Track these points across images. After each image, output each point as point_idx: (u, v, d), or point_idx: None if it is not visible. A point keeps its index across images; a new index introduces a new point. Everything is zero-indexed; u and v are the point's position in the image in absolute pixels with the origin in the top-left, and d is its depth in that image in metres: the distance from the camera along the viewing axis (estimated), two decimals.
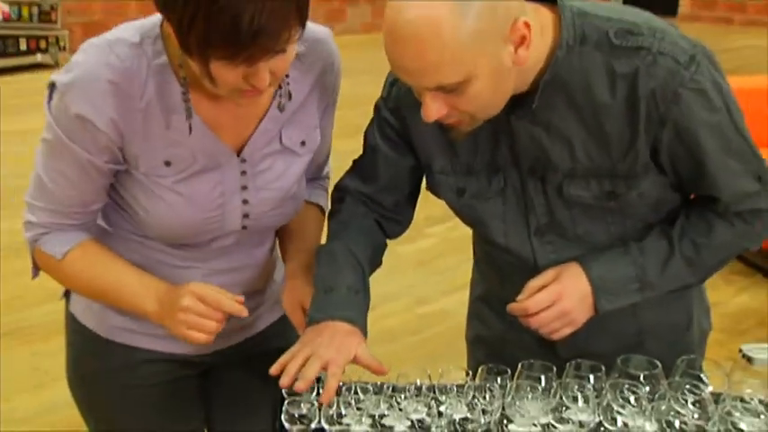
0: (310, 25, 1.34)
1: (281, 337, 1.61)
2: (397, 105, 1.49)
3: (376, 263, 1.57)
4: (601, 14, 1.34)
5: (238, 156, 1.44)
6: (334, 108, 1.59)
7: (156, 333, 1.55)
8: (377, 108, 1.53)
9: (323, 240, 1.63)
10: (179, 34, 1.25)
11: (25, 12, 8.24)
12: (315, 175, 1.65)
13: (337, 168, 1.62)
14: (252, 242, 1.57)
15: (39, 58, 8.22)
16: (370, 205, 1.58)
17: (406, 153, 1.52)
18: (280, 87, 1.42)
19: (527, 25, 1.22)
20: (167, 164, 1.40)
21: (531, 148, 1.38)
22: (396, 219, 1.59)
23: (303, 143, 1.51)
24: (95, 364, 1.61)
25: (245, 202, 1.48)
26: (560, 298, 1.40)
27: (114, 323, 1.56)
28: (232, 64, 1.23)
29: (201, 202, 1.44)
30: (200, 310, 1.37)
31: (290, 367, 1.35)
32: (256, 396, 1.69)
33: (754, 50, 8.82)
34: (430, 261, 4.15)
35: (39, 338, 3.27)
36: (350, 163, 1.58)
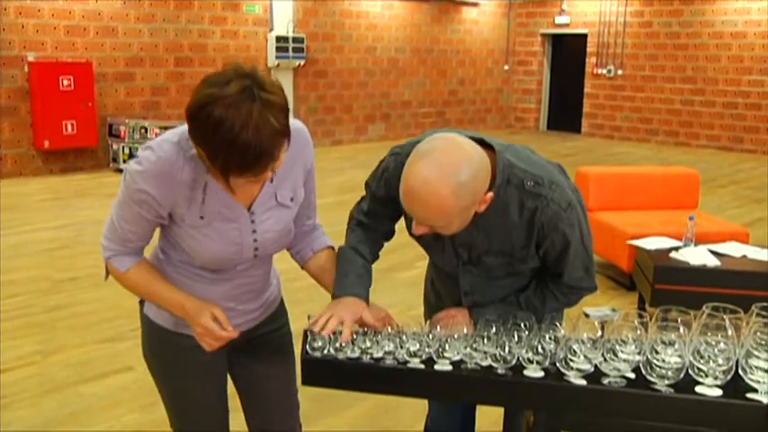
0: (291, 120, 1.53)
1: (272, 323, 1.95)
2: (389, 186, 1.81)
3: (375, 257, 1.94)
4: (521, 167, 1.68)
5: (249, 211, 1.68)
6: (314, 172, 1.81)
7: None
8: (366, 185, 1.91)
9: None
10: (206, 160, 1.47)
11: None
12: (311, 227, 1.91)
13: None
14: (259, 264, 1.82)
15: None
16: (371, 227, 1.93)
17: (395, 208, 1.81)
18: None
19: (489, 196, 1.56)
20: (201, 218, 1.64)
21: (464, 236, 1.75)
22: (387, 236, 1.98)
23: (292, 199, 1.76)
24: (164, 346, 1.86)
25: (255, 240, 1.72)
26: (450, 313, 1.87)
27: (177, 320, 1.77)
28: (244, 177, 1.48)
29: (225, 242, 1.68)
30: (212, 328, 1.63)
31: (320, 321, 1.67)
32: (263, 358, 1.96)
33: (626, 155, 11.57)
34: (418, 283, 3.91)
35: None
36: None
